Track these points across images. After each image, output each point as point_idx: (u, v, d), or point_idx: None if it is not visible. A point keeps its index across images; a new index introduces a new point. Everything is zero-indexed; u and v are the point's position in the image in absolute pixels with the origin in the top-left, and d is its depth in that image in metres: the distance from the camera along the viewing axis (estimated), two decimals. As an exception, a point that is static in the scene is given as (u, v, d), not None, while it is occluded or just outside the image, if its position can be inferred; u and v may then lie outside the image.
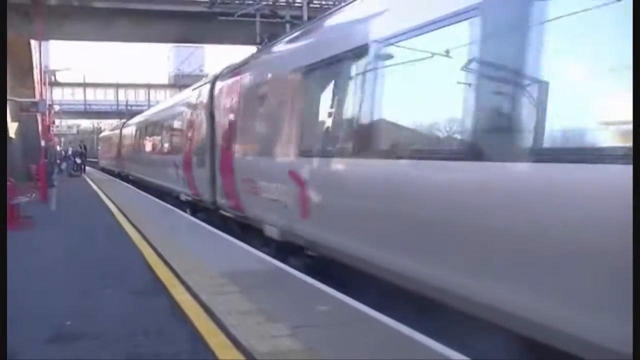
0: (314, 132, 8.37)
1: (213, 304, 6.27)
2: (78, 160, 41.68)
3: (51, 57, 75.21)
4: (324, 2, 31.83)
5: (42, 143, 31.52)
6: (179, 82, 79.78)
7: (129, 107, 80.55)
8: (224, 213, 13.01)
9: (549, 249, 4.17)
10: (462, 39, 5.24)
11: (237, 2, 31.66)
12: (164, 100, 29.11)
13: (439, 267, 5.38)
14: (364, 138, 6.86)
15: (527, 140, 4.45)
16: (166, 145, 21.06)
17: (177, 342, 5.33)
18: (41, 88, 36.02)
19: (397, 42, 6.29)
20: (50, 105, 46.65)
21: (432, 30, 5.68)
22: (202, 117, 15.11)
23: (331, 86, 8.08)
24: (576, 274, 3.96)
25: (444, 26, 5.50)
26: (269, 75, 10.58)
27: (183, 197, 17.14)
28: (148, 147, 25.78)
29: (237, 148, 11.82)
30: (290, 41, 10.45)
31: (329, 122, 7.97)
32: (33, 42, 34.27)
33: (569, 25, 4.23)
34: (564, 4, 4.28)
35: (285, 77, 9.46)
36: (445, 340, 4.93)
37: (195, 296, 6.76)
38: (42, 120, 34.20)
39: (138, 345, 5.26)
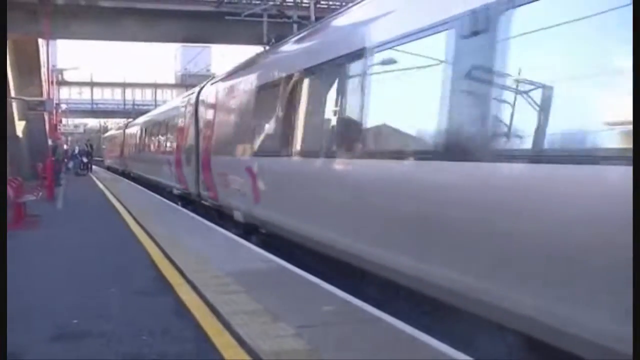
0: (261, 137, 10.89)
1: (218, 303, 6.28)
2: (84, 159, 41.79)
3: (59, 56, 75.54)
4: (331, 2, 31.84)
5: (50, 142, 31.68)
6: (186, 82, 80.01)
7: (136, 107, 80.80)
8: (205, 203, 15.24)
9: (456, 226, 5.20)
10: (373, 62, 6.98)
11: (244, 2, 31.71)
12: (162, 105, 32.85)
13: (344, 234, 7.41)
14: (291, 142, 9.21)
15: (432, 144, 5.68)
16: (162, 146, 23.45)
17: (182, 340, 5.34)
18: (48, 87, 36.14)
19: (320, 70, 8.59)
20: (57, 104, 46.81)
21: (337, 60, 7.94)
22: (189, 122, 17.73)
23: (271, 103, 10.31)
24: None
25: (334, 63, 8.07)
26: (236, 90, 13.06)
27: (175, 191, 19.51)
28: (147, 147, 27.91)
29: (214, 149, 14.18)
30: (253, 63, 13.21)
31: (269, 130, 10.48)
32: (40, 41, 34.41)
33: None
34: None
35: (244, 93, 12.30)
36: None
37: (201, 295, 6.77)
38: (49, 119, 34.35)
39: (143, 344, 5.27)
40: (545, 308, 4.27)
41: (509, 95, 4.86)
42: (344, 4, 27.40)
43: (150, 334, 5.49)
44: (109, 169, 48.71)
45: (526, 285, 4.46)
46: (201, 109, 16.27)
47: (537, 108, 4.59)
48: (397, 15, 6.73)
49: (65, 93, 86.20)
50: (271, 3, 30.22)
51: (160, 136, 24.22)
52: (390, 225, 6.33)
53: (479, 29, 5.04)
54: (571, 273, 4.06)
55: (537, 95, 4.59)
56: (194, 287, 7.16)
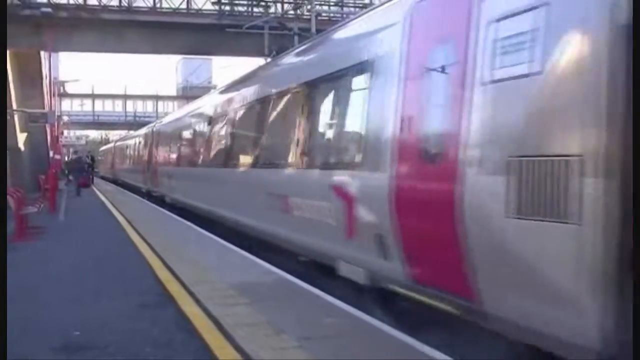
0: (176, 157, 21.35)
1: (221, 316, 6.30)
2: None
3: (60, 69, 75.74)
4: (332, 15, 31.96)
5: (51, 154, 31.75)
6: (187, 94, 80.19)
7: (138, 118, 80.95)
8: (154, 194, 25.15)
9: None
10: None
11: (245, 14, 31.87)
12: (138, 131, 40.33)
13: (213, 204, 14.91)
14: (180, 158, 20.33)
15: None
16: (138, 160, 32.69)
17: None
18: (50, 99, 36.24)
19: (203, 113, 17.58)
20: (59, 116, 46.93)
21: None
22: (148, 146, 28.41)
23: (177, 134, 20.97)
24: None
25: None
26: (165, 129, 24.79)
27: (143, 189, 28.62)
28: (128, 160, 38.40)
29: (158, 163, 24.79)
30: (180, 114, 23.80)
31: (179, 153, 20.88)
32: (42, 54, 34.55)
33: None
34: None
35: (170, 131, 23.03)
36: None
37: (203, 308, 6.78)
38: (51, 131, 34.42)
39: (146, 356, 5.28)
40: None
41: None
42: (344, 16, 27.55)
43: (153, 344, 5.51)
44: (102, 178, 53.22)
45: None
46: (154, 137, 26.90)
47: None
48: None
49: (67, 105, 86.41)
50: (272, 15, 30.39)
51: (137, 153, 33.39)
52: (239, 201, 12.39)
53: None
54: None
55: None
56: (197, 300, 7.18)
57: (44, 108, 33.37)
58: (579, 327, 4.13)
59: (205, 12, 32.91)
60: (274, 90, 10.94)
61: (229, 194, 13.20)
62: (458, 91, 5.25)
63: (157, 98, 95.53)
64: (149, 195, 26.19)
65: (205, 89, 50.98)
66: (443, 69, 5.60)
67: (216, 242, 12.26)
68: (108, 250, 11.71)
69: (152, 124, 31.08)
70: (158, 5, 32.95)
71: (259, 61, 24.91)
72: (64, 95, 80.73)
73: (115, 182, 42.88)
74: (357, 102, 7.57)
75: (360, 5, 31.74)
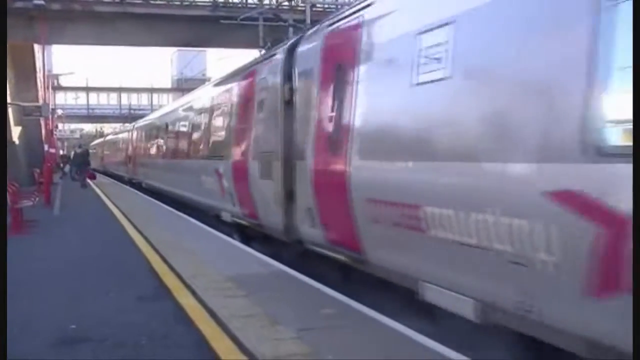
0: (145, 151, 27.35)
1: (217, 307, 6.28)
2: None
3: (54, 62, 75.47)
4: (326, 6, 31.87)
5: (46, 147, 31.64)
6: (182, 86, 79.97)
7: (132, 111, 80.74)
8: (133, 180, 30.76)
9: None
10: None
11: (240, 5, 31.76)
12: (119, 129, 50.45)
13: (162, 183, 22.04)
14: (150, 153, 25.92)
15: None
16: (121, 154, 38.47)
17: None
18: (44, 92, 36.10)
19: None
20: (53, 110, 46.76)
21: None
22: (130, 141, 33.70)
23: (148, 134, 26.69)
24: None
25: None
26: (137, 131, 30.94)
27: (126, 178, 34.30)
28: (115, 154, 44.33)
29: (138, 157, 29.71)
30: (150, 119, 29.28)
31: (146, 150, 27.32)
32: (36, 47, 34.39)
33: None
34: None
35: (143, 128, 29.47)
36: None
37: (200, 300, 6.76)
38: (45, 124, 34.28)
39: (142, 349, 5.26)
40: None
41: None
42: (339, 7, 27.45)
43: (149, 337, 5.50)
44: (94, 170, 54.90)
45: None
46: (133, 136, 32.37)
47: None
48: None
49: (61, 98, 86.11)
50: (267, 7, 30.28)
51: (119, 149, 40.59)
52: (182, 182, 17.88)
53: None
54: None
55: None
56: (193, 292, 7.16)
57: (38, 101, 33.21)
58: (279, 222, 9.36)
59: (199, 4, 32.81)
60: (198, 107, 16.80)
61: (176, 178, 18.81)
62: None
63: (151, 91, 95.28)
64: (130, 183, 31.75)
65: (200, 81, 50.88)
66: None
67: (211, 233, 12.25)
68: (104, 242, 11.70)
69: (132, 125, 37.42)
70: (152, -3, 32.85)
71: (254, 53, 24.82)
72: (58, 88, 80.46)
73: (105, 173, 47.22)
74: (267, 113, 10.29)
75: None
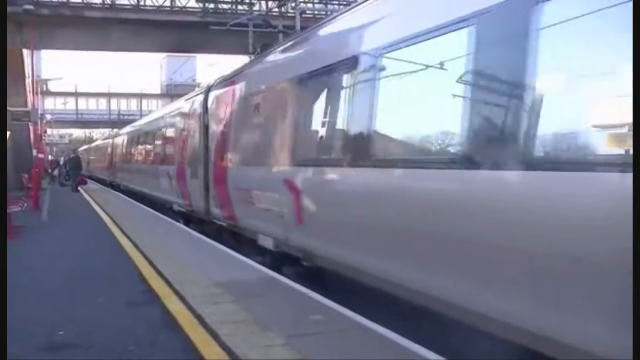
0: (122, 158, 31.71)
1: (206, 313, 6.26)
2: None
3: (43, 67, 75.16)
4: (316, 12, 31.91)
5: (34, 152, 31.48)
6: (171, 92, 79.79)
7: (122, 117, 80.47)
8: (114, 183, 34.83)
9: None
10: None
11: (229, 12, 31.73)
12: (105, 136, 54.80)
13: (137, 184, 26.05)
14: (125, 159, 30.19)
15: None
16: (104, 159, 42.39)
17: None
18: (33, 97, 35.94)
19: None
20: (42, 115, 46.56)
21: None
22: (111, 148, 37.94)
23: (124, 143, 31.42)
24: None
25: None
26: (118, 136, 36.05)
27: (108, 181, 38.39)
28: (99, 160, 48.43)
29: (116, 161, 34.10)
30: (126, 131, 34.15)
31: (122, 156, 31.70)
32: (25, 52, 34.22)
33: None
34: None
35: (119, 138, 34.35)
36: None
37: (188, 306, 6.74)
38: (34, 129, 34.14)
39: (130, 355, 5.24)
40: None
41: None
42: (328, 12, 27.51)
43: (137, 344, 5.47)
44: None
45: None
46: (113, 144, 36.88)
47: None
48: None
49: (50, 103, 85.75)
50: (256, 13, 30.27)
51: (103, 154, 44.44)
52: (145, 182, 22.77)
53: None
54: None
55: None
56: (182, 298, 7.14)
57: (26, 106, 33.08)
58: (202, 207, 13.43)
59: (189, 10, 32.73)
60: (156, 125, 21.97)
61: (143, 179, 23.27)
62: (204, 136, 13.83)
63: (141, 96, 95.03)
64: (111, 185, 35.84)
65: (190, 87, 50.76)
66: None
67: (199, 239, 12.23)
68: (92, 248, 11.66)
69: (112, 134, 44.22)
70: (141, 2, 32.76)
71: (244, 59, 24.81)
72: (47, 93, 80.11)
73: (90, 177, 48.39)
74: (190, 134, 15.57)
75: (344, 2, 31.72)
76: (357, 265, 6.66)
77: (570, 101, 4.25)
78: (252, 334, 5.54)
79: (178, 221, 16.03)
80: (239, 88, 11.70)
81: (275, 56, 10.62)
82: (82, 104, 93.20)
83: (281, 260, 9.12)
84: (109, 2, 31.84)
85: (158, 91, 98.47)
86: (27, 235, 13.56)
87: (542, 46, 4.32)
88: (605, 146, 4.06)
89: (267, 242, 9.47)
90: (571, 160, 4.13)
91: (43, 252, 11.41)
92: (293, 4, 29.97)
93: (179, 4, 32.90)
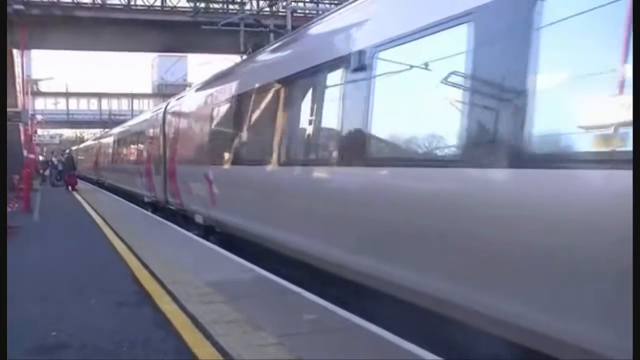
0: (105, 159, 36.96)
1: (199, 314, 6.26)
2: (61, 168, 41.42)
3: (33, 67, 74.86)
4: (307, 11, 31.92)
5: (25, 153, 31.38)
6: (163, 92, 79.61)
7: (113, 117, 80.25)
8: (100, 181, 38.83)
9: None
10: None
11: (220, 11, 31.71)
12: (91, 141, 58.76)
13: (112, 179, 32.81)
14: (108, 159, 35.33)
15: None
16: (90, 160, 47.67)
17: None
18: (23, 98, 35.81)
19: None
20: (33, 115, 46.40)
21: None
22: (95, 150, 44.47)
23: (106, 145, 37.07)
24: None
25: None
26: (101, 140, 43.69)
27: (95, 179, 41.78)
28: (86, 160, 52.88)
29: (100, 162, 39.71)
30: (106, 135, 42.24)
31: (105, 157, 36.89)
32: (15, 52, 34.07)
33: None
34: None
35: (103, 142, 40.69)
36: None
37: (181, 306, 6.74)
38: (25, 130, 34.02)
39: (124, 356, 5.23)
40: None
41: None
42: (320, 12, 27.52)
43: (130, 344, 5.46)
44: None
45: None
46: (96, 146, 43.27)
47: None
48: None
49: (40, 104, 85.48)
50: (248, 12, 30.26)
51: (89, 155, 50.41)
52: (121, 178, 28.17)
53: None
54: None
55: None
56: (175, 299, 7.13)
57: (17, 107, 32.95)
58: (163, 197, 17.49)
59: (180, 10, 32.72)
60: (130, 131, 27.13)
61: (122, 177, 27.74)
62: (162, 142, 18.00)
63: (132, 96, 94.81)
64: (98, 183, 39.57)
65: (181, 87, 50.75)
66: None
67: (192, 239, 12.23)
68: (84, 248, 11.64)
69: (97, 137, 51.18)
70: (132, 2, 32.71)
71: (235, 58, 24.80)
72: (37, 93, 79.86)
73: (78, 176, 50.29)
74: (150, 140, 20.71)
75: (336, 1, 31.73)
76: (243, 228, 10.50)
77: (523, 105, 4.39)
78: (245, 334, 5.54)
79: (147, 210, 19.67)
80: (183, 107, 16.34)
81: (207, 86, 14.55)
82: (73, 104, 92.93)
83: (207, 230, 12.91)
84: (100, 2, 31.81)
85: (149, 91, 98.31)
86: (18, 236, 13.50)
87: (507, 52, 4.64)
88: (573, 145, 4.22)
89: (199, 219, 13.45)
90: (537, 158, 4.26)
91: (34, 253, 11.36)
92: (284, 3, 29.98)
93: (170, 4, 32.90)
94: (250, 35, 27.48)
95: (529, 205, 4.18)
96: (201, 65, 71.66)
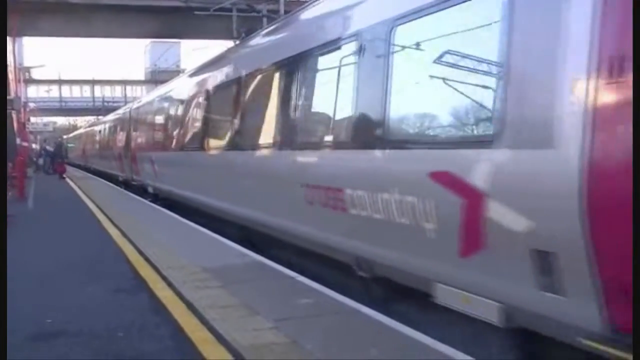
0: (89, 147, 45.59)
1: (195, 299, 6.27)
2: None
3: (25, 54, 74.48)
4: (301, -4, 31.70)
5: (18, 141, 31.29)
6: (156, 78, 79.33)
7: (106, 104, 79.99)
8: (86, 166, 45.11)
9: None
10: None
11: (213, -4, 31.50)
12: (78, 131, 66.20)
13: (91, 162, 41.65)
14: (90, 148, 43.69)
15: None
16: (78, 148, 55.06)
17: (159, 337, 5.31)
18: (15, 85, 35.65)
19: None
20: (25, 103, 46.22)
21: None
22: (82, 139, 52.80)
23: (91, 135, 44.44)
24: None
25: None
26: (85, 132, 54.10)
27: (82, 165, 47.05)
28: (76, 148, 58.18)
29: (86, 149, 47.11)
30: (89, 128, 52.10)
31: (89, 146, 45.67)
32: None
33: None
34: None
35: (88, 133, 48.46)
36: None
37: (177, 292, 6.75)
38: (17, 117, 33.89)
39: (119, 342, 5.24)
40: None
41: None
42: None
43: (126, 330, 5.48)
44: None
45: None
46: (83, 136, 53.39)
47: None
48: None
49: (33, 91, 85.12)
50: (241, -3, 30.04)
51: (77, 144, 57.70)
52: (97, 161, 37.61)
53: None
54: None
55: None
56: (170, 284, 7.13)
57: (9, 94, 32.81)
58: (130, 176, 22.91)
59: (173, -5, 32.50)
60: (107, 125, 33.49)
61: (103, 162, 32.72)
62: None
63: (125, 83, 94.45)
64: (85, 168, 44.37)
65: (174, 73, 50.58)
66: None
67: (186, 224, 12.22)
68: (79, 234, 11.64)
69: (82, 129, 60.19)
70: (125, -12, 32.49)
71: (229, 44, 24.68)
72: (29, 81, 79.50)
73: (69, 163, 53.45)
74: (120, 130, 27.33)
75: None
76: (175, 194, 15.42)
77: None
78: (240, 319, 5.55)
79: (121, 187, 24.23)
80: (140, 107, 22.48)
81: (155, 92, 22.28)
82: (66, 91, 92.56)
83: (155, 197, 18.04)
84: (92, -12, 31.56)
85: (142, 77, 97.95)
86: (13, 224, 13.47)
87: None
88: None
89: (150, 190, 18.83)
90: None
91: (29, 241, 11.35)
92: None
93: (163, -11, 32.67)
94: (243, 20, 27.34)
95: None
96: (196, 50, 71.26)
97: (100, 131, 36.62)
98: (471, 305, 4.74)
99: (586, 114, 3.62)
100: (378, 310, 5.66)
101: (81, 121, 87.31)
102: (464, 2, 4.83)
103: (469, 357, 4.50)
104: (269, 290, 6.71)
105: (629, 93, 3.37)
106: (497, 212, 4.26)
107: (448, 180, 4.74)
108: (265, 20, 25.69)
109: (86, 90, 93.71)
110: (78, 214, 15.55)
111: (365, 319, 5.48)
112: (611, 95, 3.53)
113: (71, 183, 27.94)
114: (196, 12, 27.60)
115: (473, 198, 4.47)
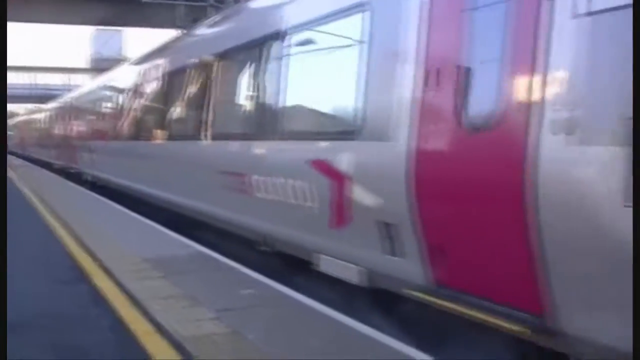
0: (26, 136, 46.33)
1: (136, 290, 6.24)
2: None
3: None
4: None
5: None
6: (99, 66, 77.78)
7: (48, 91, 78.06)
8: (22, 154, 44.48)
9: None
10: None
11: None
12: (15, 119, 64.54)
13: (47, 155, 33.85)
14: (28, 137, 44.70)
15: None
16: (16, 137, 54.55)
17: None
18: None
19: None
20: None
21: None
22: (20, 128, 54.27)
23: (28, 125, 47.48)
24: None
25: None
26: (23, 121, 54.17)
27: (19, 153, 45.67)
28: (15, 137, 56.45)
29: (24, 137, 48.32)
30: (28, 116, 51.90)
31: (26, 135, 46.83)
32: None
33: None
34: None
35: (27, 122, 49.67)
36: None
37: (117, 282, 6.69)
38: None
39: (58, 334, 5.19)
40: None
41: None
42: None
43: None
44: None
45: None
46: (19, 126, 55.03)
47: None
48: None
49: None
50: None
51: (16, 133, 56.34)
52: (41, 151, 35.09)
53: None
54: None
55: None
56: (111, 275, 7.07)
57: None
58: (82, 167, 21.59)
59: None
60: (45, 115, 35.35)
61: (39, 150, 34.63)
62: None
63: (68, 70, 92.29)
64: (23, 157, 42.89)
65: (117, 61, 49.71)
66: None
67: (129, 215, 12.11)
68: (16, 225, 11.39)
69: (20, 117, 59.93)
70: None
71: (173, 33, 24.40)
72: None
73: (9, 152, 55.91)
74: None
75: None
76: (110, 180, 16.39)
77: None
78: (182, 309, 5.55)
79: (60, 175, 24.70)
80: (74, 100, 24.91)
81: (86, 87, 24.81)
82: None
83: (92, 184, 18.69)
84: (33, -28, 30.79)
85: (85, 65, 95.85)
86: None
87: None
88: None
89: (88, 177, 19.90)
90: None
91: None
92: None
93: (107, -24, 32.05)
94: (189, 9, 27.06)
95: None
96: (139, 38, 69.98)
97: (39, 120, 38.25)
98: (342, 271, 5.87)
99: (411, 114, 4.76)
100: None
101: (18, 108, 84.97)
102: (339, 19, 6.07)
103: (404, 345, 4.62)
104: (211, 281, 6.72)
105: (443, 98, 4.46)
106: (356, 192, 5.43)
107: (324, 167, 5.87)
108: (209, 10, 25.45)
109: (24, 77, 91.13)
110: (16, 203, 15.21)
111: (305, 309, 5.54)
112: (429, 100, 4.65)
113: (10, 171, 27.28)
114: (143, 1, 27.21)
115: (340, 181, 5.63)
